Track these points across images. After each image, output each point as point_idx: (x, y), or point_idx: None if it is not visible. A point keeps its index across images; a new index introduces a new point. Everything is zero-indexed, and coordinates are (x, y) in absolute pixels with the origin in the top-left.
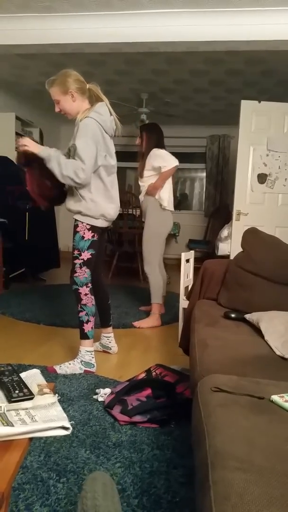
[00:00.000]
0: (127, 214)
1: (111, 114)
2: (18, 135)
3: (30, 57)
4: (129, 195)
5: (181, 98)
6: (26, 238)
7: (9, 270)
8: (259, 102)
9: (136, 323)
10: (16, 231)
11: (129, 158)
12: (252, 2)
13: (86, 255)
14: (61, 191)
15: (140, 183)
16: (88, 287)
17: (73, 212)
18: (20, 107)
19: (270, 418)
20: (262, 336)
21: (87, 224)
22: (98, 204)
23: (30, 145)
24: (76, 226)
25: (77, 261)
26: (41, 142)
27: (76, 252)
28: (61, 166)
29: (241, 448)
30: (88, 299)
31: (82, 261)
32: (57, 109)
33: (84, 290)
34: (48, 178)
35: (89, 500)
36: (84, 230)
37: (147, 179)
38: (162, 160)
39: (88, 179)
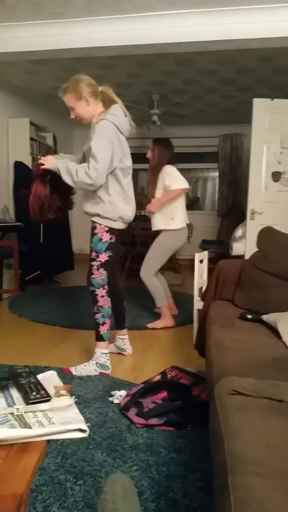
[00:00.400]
0: (139, 215)
1: (125, 115)
2: (32, 140)
3: (43, 62)
4: (141, 197)
5: (192, 98)
6: (41, 241)
7: (25, 273)
8: (272, 99)
9: (149, 325)
10: (31, 235)
11: (142, 160)
12: None
13: (103, 257)
14: (65, 204)
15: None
16: (105, 289)
17: (91, 215)
18: (33, 112)
19: None
20: (280, 338)
21: (105, 226)
22: (116, 206)
23: (47, 162)
24: (94, 228)
25: (95, 263)
26: (55, 146)
27: (93, 254)
28: (72, 175)
29: (260, 452)
30: (104, 301)
31: (99, 263)
32: (72, 116)
33: (100, 292)
34: (58, 190)
35: (109, 503)
36: (102, 232)
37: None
38: (172, 179)
39: (101, 179)
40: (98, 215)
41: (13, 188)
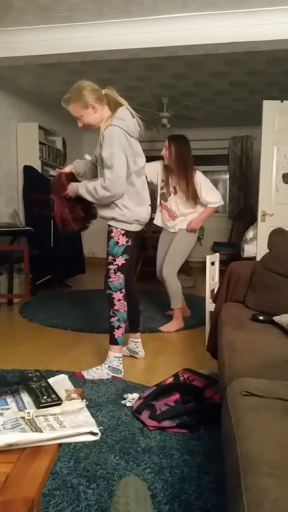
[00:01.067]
0: (150, 218)
1: (133, 116)
2: (42, 144)
3: (51, 66)
4: (151, 200)
5: (202, 100)
6: (52, 245)
7: (36, 277)
8: (282, 101)
9: (162, 328)
10: (42, 239)
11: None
12: (269, 1)
13: (120, 260)
14: (88, 215)
15: (171, 208)
16: (122, 292)
17: (107, 219)
18: (42, 116)
19: None
20: None
21: (122, 229)
22: (131, 209)
23: (69, 191)
24: (110, 231)
25: (112, 267)
26: (64, 150)
27: (110, 257)
28: (92, 194)
29: (273, 453)
30: (121, 305)
31: (116, 266)
32: (80, 125)
33: (117, 295)
34: (79, 201)
35: (122, 506)
36: (119, 235)
37: (184, 211)
38: (214, 194)
39: (121, 187)
40: (113, 218)
41: (22, 192)
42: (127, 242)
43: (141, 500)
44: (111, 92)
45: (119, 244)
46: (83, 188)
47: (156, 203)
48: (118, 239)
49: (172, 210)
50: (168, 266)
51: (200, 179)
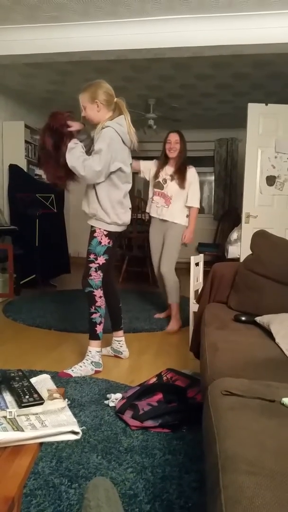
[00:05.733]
0: (136, 218)
1: (128, 131)
2: (27, 143)
3: (38, 66)
4: (138, 200)
5: (188, 102)
6: (37, 245)
7: (20, 276)
8: (266, 104)
9: (168, 329)
10: (27, 238)
11: None
12: (256, 6)
13: (101, 260)
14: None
15: (167, 193)
16: (102, 289)
17: (88, 215)
18: (28, 115)
19: (281, 421)
20: (273, 339)
21: (104, 230)
22: (110, 211)
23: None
24: (93, 231)
25: (93, 265)
26: None
27: (92, 256)
28: (72, 156)
29: (252, 451)
30: (102, 301)
31: (97, 265)
32: (83, 114)
33: (98, 292)
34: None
35: (93, 509)
36: (102, 236)
37: (180, 200)
38: (197, 199)
39: (95, 178)
40: (94, 216)
41: (7, 191)
42: (108, 243)
43: (112, 500)
44: (121, 103)
45: (102, 244)
46: (73, 145)
47: (148, 196)
48: (101, 239)
49: (168, 196)
50: (167, 263)
51: (192, 179)
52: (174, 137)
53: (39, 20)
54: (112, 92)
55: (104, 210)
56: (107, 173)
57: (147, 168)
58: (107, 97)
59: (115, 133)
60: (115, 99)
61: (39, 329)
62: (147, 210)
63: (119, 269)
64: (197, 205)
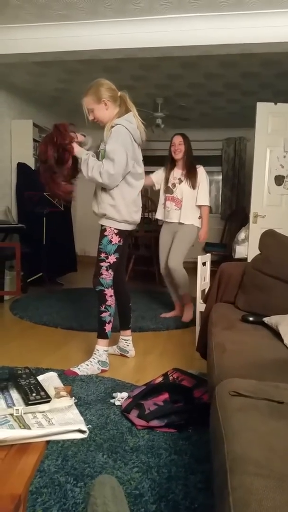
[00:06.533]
0: (143, 217)
1: (137, 126)
2: (36, 142)
3: (47, 64)
4: (145, 199)
5: (196, 101)
6: (44, 243)
7: (27, 275)
8: (275, 104)
9: (184, 319)
10: (34, 236)
11: (146, 163)
12: (265, 4)
13: (112, 258)
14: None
15: (177, 196)
16: (112, 288)
17: (98, 216)
18: (37, 114)
19: None
20: (281, 340)
21: (115, 229)
22: (122, 208)
23: (75, 149)
24: (104, 230)
25: (104, 264)
26: None
27: (103, 255)
28: (88, 167)
29: (260, 453)
30: (112, 301)
31: (108, 264)
32: (91, 118)
33: (109, 291)
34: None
35: (100, 506)
36: (112, 234)
37: (191, 200)
38: (207, 197)
39: (115, 181)
40: (104, 215)
41: (15, 189)
42: (119, 241)
43: (118, 498)
44: (125, 97)
45: (113, 243)
46: (86, 156)
47: (159, 202)
48: (112, 238)
49: (178, 198)
50: (175, 257)
51: (201, 178)
52: (177, 139)
53: (48, 18)
54: (114, 87)
55: (116, 208)
56: (125, 172)
57: (160, 178)
58: (111, 93)
59: (126, 131)
60: (119, 93)
61: (45, 327)
62: (156, 216)
63: (126, 268)
64: (208, 203)
